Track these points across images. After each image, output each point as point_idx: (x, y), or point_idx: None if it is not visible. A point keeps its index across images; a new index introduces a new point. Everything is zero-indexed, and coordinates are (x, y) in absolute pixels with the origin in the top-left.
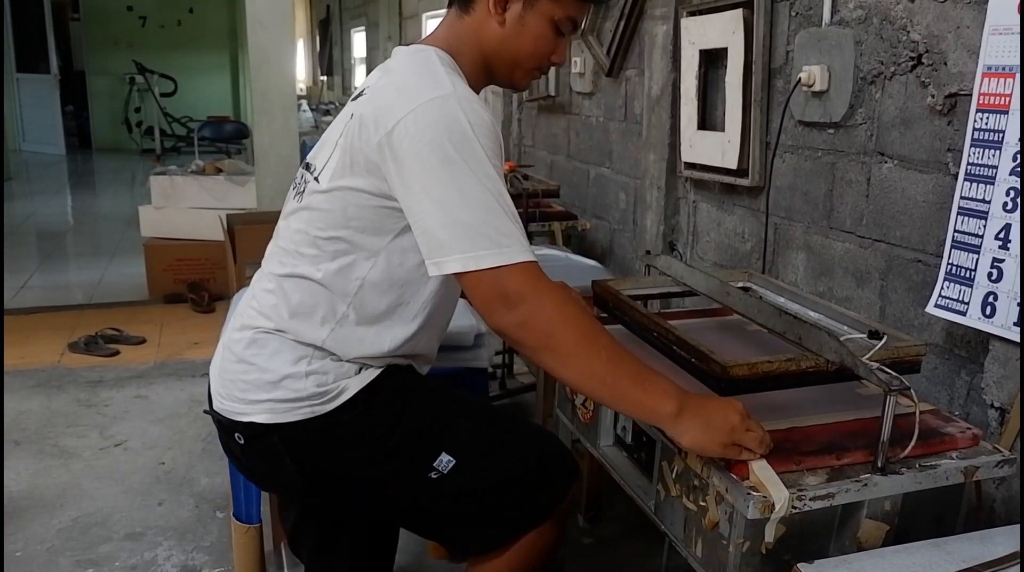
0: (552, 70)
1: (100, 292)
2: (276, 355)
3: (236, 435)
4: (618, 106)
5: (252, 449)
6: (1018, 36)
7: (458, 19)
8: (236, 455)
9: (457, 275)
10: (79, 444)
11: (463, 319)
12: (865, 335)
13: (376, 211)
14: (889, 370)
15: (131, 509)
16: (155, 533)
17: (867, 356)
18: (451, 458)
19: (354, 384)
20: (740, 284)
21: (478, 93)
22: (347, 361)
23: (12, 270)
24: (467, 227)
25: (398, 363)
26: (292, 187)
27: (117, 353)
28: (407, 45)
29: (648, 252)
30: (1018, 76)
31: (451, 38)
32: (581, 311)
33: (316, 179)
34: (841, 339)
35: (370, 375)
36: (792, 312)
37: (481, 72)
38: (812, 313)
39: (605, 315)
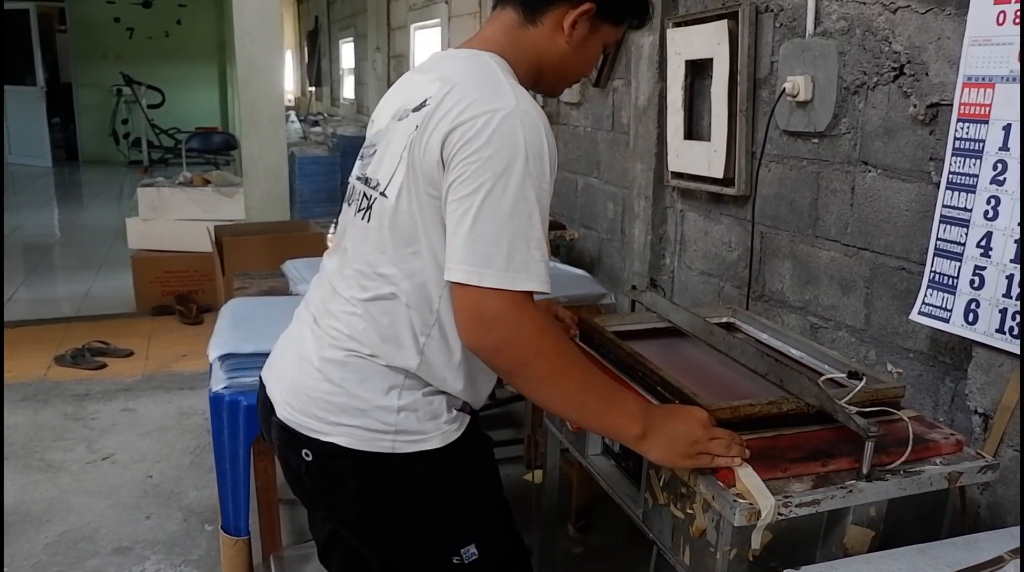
0: None
1: (87, 305)
2: (366, 382)
3: (304, 451)
4: (605, 116)
5: (318, 468)
6: (998, 47)
7: (520, 28)
8: (294, 468)
9: (454, 284)
10: (66, 458)
11: None
12: (845, 375)
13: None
14: (863, 419)
15: (119, 523)
16: (143, 547)
17: (846, 399)
18: (476, 552)
19: (438, 437)
20: (724, 319)
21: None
22: (435, 395)
23: None
24: (483, 243)
25: (468, 406)
26: (348, 204)
27: (104, 366)
28: (456, 48)
29: (634, 287)
30: (998, 87)
31: (508, 45)
32: (557, 341)
33: (383, 194)
34: (821, 381)
35: (454, 431)
36: (775, 349)
37: (530, 80)
38: (795, 351)
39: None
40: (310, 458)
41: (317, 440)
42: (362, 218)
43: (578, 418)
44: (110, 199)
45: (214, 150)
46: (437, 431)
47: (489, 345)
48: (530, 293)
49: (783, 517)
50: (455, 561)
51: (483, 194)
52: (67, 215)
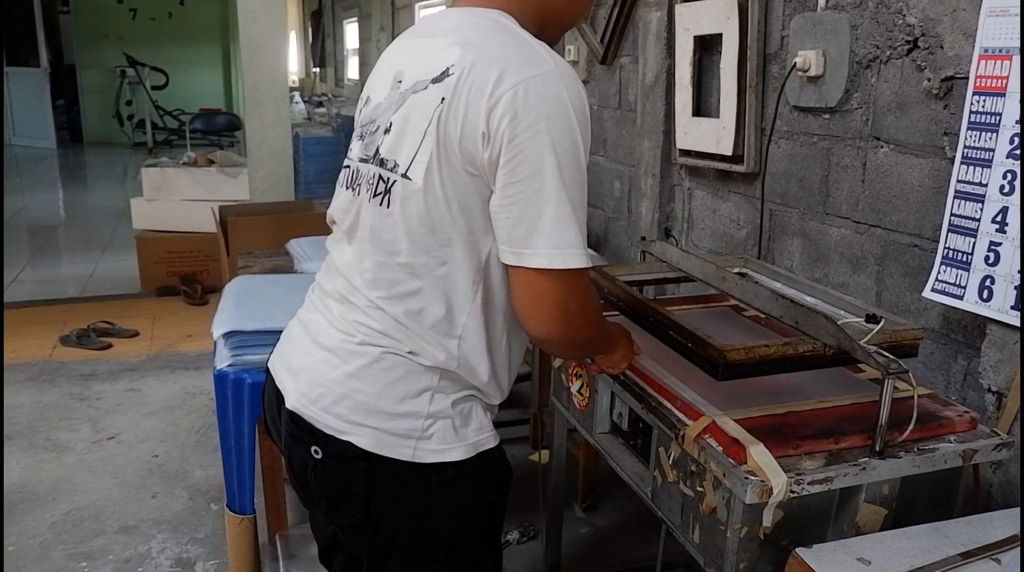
0: None
1: (92, 285)
2: (400, 382)
3: (314, 448)
4: (612, 94)
5: (329, 466)
6: (1015, 18)
7: None
8: (298, 465)
9: (526, 270)
10: (71, 437)
11: None
12: (862, 319)
13: (485, 205)
14: (887, 353)
15: (124, 502)
16: (149, 526)
17: (864, 340)
18: None
19: (462, 448)
20: (736, 270)
21: None
22: (466, 401)
23: (4, 264)
24: (560, 222)
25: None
26: (356, 191)
27: (109, 346)
28: (458, 7)
29: (644, 238)
30: (1016, 59)
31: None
32: (601, 324)
33: (406, 176)
34: (838, 323)
35: (480, 445)
36: (788, 297)
37: (533, 31)
38: (809, 298)
39: (601, 301)
40: (319, 456)
41: (332, 437)
42: (380, 204)
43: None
44: (114, 180)
45: (218, 131)
46: (460, 442)
47: (571, 334)
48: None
49: (795, 495)
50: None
51: (548, 169)
52: (71, 196)
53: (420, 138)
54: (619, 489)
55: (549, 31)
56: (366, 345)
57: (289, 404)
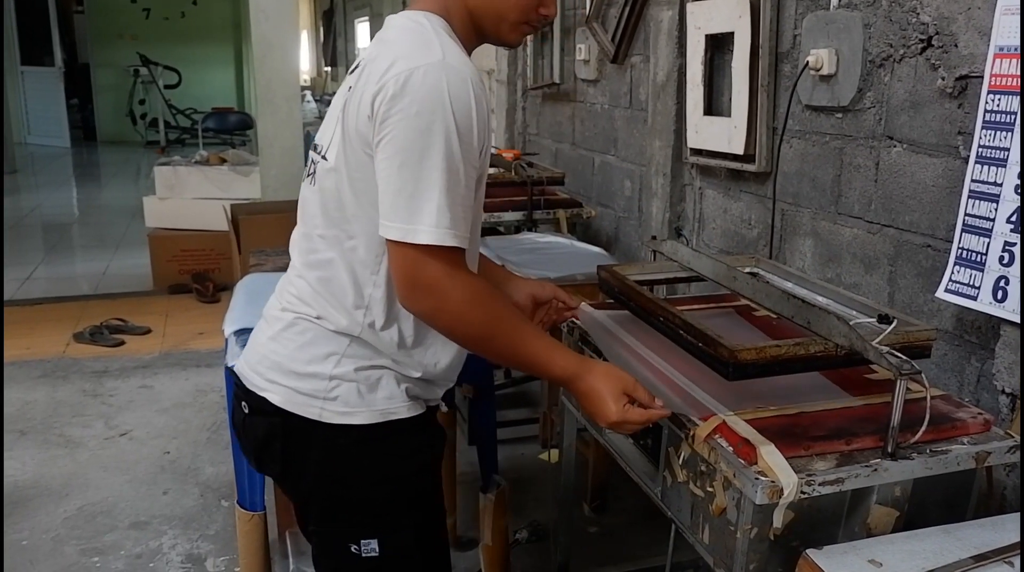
0: (556, 58)
1: (105, 283)
2: (310, 345)
3: (243, 403)
4: (623, 93)
5: (253, 422)
6: None
7: None
8: (236, 420)
9: (388, 242)
10: (84, 434)
11: None
12: (875, 319)
13: None
14: (899, 354)
15: (136, 498)
16: (160, 522)
17: (877, 340)
18: (376, 550)
19: (366, 413)
20: (747, 269)
21: (471, 52)
22: (377, 369)
23: (17, 262)
24: (415, 199)
25: (424, 399)
26: (305, 172)
27: (122, 343)
28: (404, 10)
29: (654, 237)
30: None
31: (442, 1)
32: (485, 305)
33: (324, 157)
34: (851, 323)
35: (388, 413)
36: (800, 297)
37: (472, 30)
38: (820, 298)
39: (612, 301)
40: (247, 411)
41: (253, 393)
42: (309, 183)
43: (515, 368)
44: (127, 179)
45: (230, 130)
46: (367, 408)
47: (423, 309)
48: (462, 252)
49: (806, 496)
50: (352, 549)
51: (410, 150)
52: (85, 195)
53: (334, 123)
54: (628, 489)
55: (489, 27)
56: (287, 311)
57: (235, 366)
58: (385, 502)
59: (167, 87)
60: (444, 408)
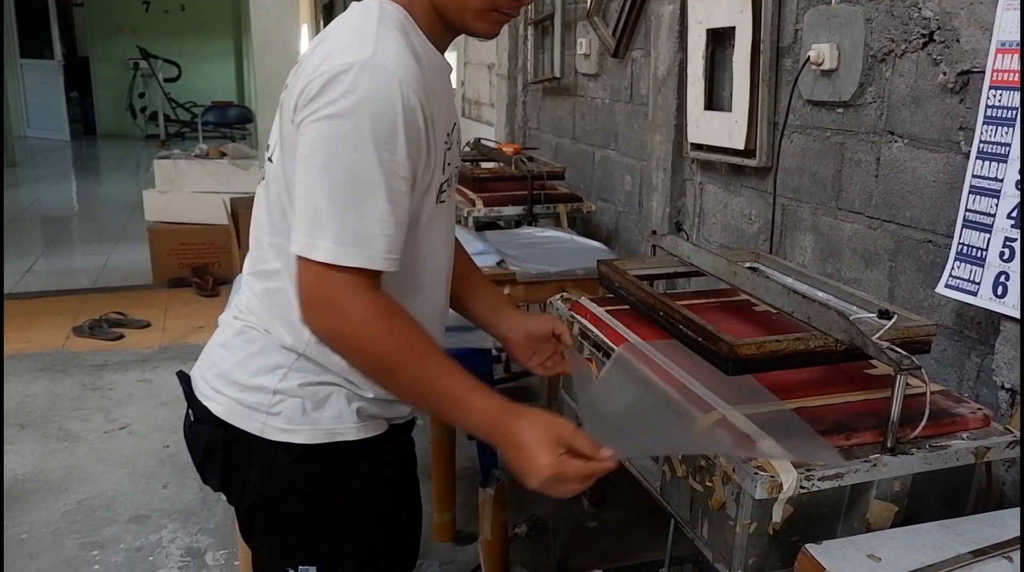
0: (557, 52)
1: (105, 276)
2: (257, 356)
3: (190, 409)
4: (624, 87)
5: (197, 431)
6: None
7: None
8: (184, 427)
9: (294, 255)
10: (84, 427)
11: None
12: (875, 315)
13: None
14: (899, 349)
15: (136, 492)
16: (160, 516)
17: (877, 335)
18: None
19: (308, 432)
20: (747, 264)
21: (446, 45)
22: (326, 386)
23: (17, 255)
24: (317, 212)
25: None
26: (259, 175)
27: (122, 337)
28: None
29: (654, 232)
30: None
31: None
32: (387, 334)
33: (270, 160)
34: (850, 318)
35: (335, 434)
36: (800, 292)
37: (436, 20)
38: (821, 293)
39: (611, 296)
40: (192, 419)
41: (198, 401)
42: (263, 186)
43: (427, 410)
44: (127, 173)
45: (230, 123)
46: (310, 426)
47: (319, 329)
48: (371, 273)
49: (805, 490)
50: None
51: (320, 157)
52: (85, 188)
53: (277, 123)
54: (627, 484)
55: (452, 17)
56: (237, 319)
57: (191, 370)
58: (327, 526)
59: (167, 80)
60: (420, 421)
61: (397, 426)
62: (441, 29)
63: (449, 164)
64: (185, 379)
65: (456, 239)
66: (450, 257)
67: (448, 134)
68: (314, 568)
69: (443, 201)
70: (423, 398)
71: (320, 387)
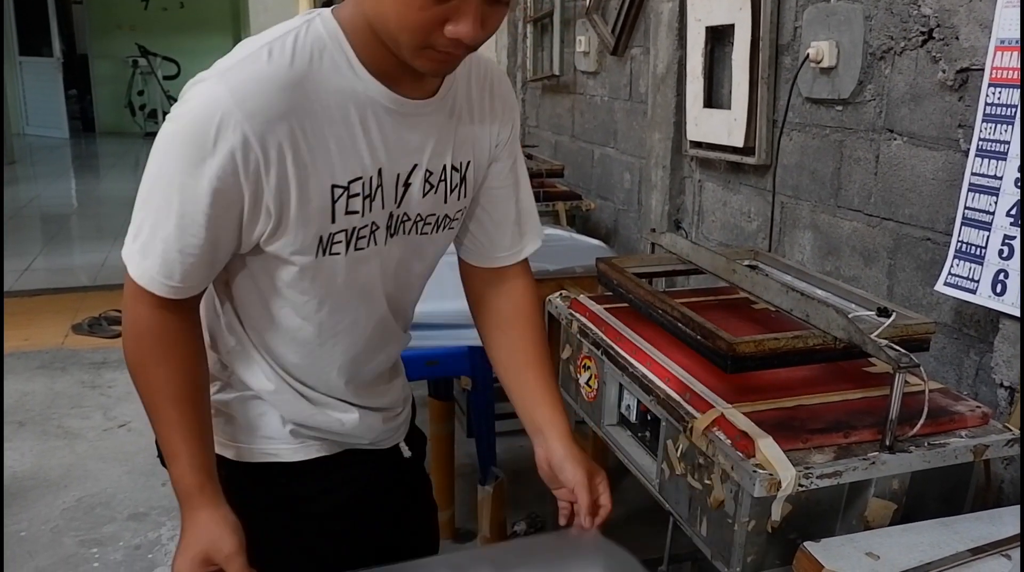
0: (556, 50)
1: (104, 274)
2: (211, 369)
3: None
4: (623, 85)
5: None
6: None
7: None
8: None
9: None
10: (83, 425)
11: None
12: (873, 313)
13: None
14: (898, 347)
15: (135, 489)
16: (159, 513)
17: (875, 333)
18: None
19: (232, 450)
20: (746, 262)
21: (399, 76)
22: (253, 401)
23: (16, 253)
24: (133, 225)
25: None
26: None
27: (120, 335)
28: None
29: (653, 230)
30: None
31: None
32: (136, 363)
33: None
34: (849, 316)
35: (252, 453)
36: (799, 290)
37: (381, 46)
38: (820, 291)
39: (609, 293)
40: None
41: None
42: None
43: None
44: (126, 170)
45: None
46: (232, 442)
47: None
48: (152, 297)
49: (803, 488)
50: None
51: (144, 180)
52: (84, 186)
53: None
54: (626, 482)
55: (391, 47)
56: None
57: None
58: (257, 551)
59: (166, 78)
60: (407, 450)
61: (359, 451)
62: (387, 56)
63: (355, 213)
64: None
65: (525, 323)
66: (373, 303)
67: (351, 181)
68: None
69: (336, 253)
70: (160, 436)
71: (248, 404)
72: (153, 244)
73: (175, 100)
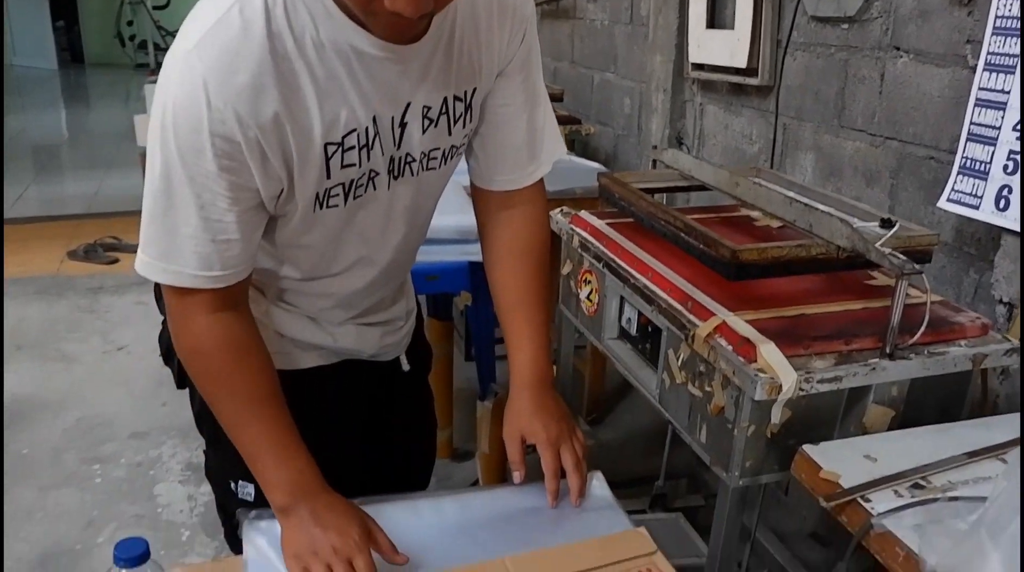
0: None
1: (98, 202)
2: None
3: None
4: (624, 8)
5: (162, 329)
6: None
7: None
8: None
9: None
10: (81, 349)
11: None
12: (876, 224)
13: None
14: (901, 256)
15: (135, 410)
16: (159, 433)
17: (879, 243)
18: (252, 497)
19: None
20: (750, 178)
21: (375, 26)
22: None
23: (7, 182)
24: (144, 226)
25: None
26: None
27: (116, 261)
28: None
29: (655, 146)
30: None
31: None
32: (210, 365)
33: None
34: (853, 226)
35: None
36: (803, 202)
37: None
38: (822, 206)
39: (612, 209)
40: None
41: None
42: None
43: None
44: (116, 101)
45: None
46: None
47: (178, 347)
48: (201, 291)
49: (804, 393)
50: (231, 486)
51: (148, 168)
52: (74, 117)
53: None
54: (624, 405)
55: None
56: None
57: None
58: None
59: (155, 8)
60: (406, 363)
61: (358, 362)
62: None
63: (351, 166)
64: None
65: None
66: (377, 245)
67: (347, 135)
68: (252, 487)
69: (334, 206)
70: (238, 441)
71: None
72: (180, 243)
73: (165, 31)
